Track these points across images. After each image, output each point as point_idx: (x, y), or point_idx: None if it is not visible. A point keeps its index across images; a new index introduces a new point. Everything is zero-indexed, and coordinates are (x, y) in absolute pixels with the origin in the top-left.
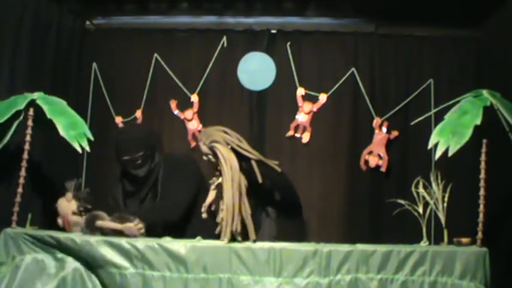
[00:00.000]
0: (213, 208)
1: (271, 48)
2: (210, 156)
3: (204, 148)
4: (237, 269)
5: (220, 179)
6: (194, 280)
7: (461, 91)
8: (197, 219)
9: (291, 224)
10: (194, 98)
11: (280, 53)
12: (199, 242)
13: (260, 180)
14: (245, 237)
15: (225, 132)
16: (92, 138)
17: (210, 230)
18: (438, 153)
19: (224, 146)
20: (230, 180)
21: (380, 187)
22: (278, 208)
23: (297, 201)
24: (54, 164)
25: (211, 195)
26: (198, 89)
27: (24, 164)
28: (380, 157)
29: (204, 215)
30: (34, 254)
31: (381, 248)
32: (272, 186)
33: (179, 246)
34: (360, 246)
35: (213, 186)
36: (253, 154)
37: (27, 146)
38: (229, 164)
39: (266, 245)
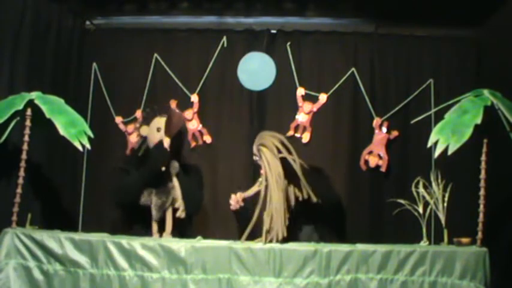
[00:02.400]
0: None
1: (271, 48)
2: (257, 158)
3: (254, 148)
4: (237, 269)
5: (264, 182)
6: (193, 281)
7: (461, 91)
8: None
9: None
10: (194, 98)
11: (280, 53)
12: (199, 242)
13: (314, 199)
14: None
15: (281, 142)
16: (92, 135)
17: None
18: (438, 152)
19: (271, 151)
20: (275, 184)
21: (380, 187)
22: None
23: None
24: (53, 163)
25: (252, 190)
26: (198, 89)
27: (22, 164)
28: (380, 157)
29: (233, 207)
30: (21, 260)
31: (381, 248)
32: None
33: (179, 246)
34: (360, 246)
35: (257, 183)
36: (299, 172)
37: (25, 146)
38: (272, 169)
39: (266, 245)
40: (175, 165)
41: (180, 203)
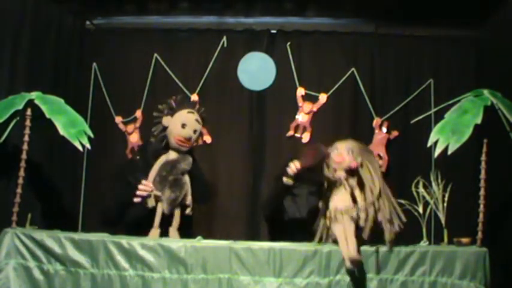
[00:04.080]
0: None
1: (271, 48)
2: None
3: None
4: (237, 269)
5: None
6: (194, 281)
7: (461, 91)
8: None
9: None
10: (194, 98)
11: (280, 53)
12: (199, 242)
13: None
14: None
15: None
16: (92, 135)
17: None
18: (437, 151)
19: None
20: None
21: None
22: None
23: None
24: (53, 163)
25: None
26: (198, 89)
27: (22, 164)
28: (380, 157)
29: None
30: (21, 260)
31: (381, 248)
32: None
33: (179, 246)
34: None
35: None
36: None
37: (25, 146)
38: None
39: (266, 245)
40: (189, 161)
41: (190, 200)
